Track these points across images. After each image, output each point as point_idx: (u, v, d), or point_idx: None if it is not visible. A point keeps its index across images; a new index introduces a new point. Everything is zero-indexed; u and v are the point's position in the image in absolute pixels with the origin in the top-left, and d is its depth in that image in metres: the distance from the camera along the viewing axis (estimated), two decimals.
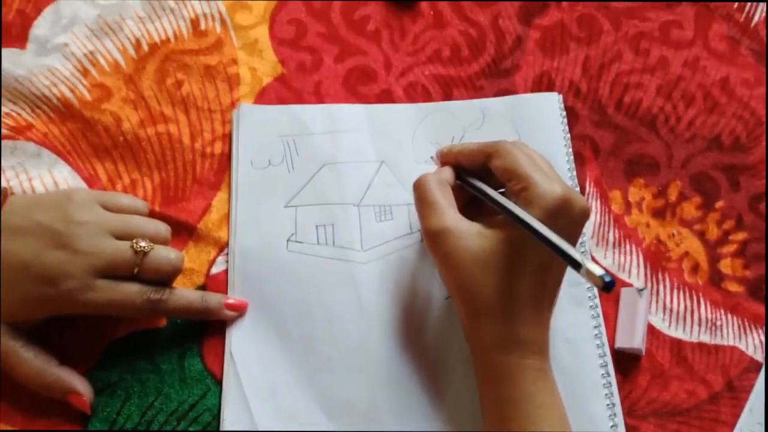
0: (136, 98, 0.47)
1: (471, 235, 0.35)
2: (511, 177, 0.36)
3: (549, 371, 0.35)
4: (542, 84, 0.50)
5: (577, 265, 0.29)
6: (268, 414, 0.38)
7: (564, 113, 0.48)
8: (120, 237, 0.38)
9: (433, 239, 0.36)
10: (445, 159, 0.40)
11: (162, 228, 0.40)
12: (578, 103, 0.50)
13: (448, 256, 0.35)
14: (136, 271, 0.37)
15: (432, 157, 0.43)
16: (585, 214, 0.35)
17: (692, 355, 0.43)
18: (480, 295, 0.35)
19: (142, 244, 0.37)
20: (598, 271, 0.28)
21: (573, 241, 0.35)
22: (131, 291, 0.37)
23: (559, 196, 0.34)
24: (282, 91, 0.48)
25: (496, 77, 0.50)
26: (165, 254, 0.38)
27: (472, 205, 0.39)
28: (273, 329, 0.41)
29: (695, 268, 0.46)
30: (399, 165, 0.46)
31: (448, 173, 0.39)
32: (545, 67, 0.51)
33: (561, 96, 0.49)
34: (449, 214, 0.36)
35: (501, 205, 0.35)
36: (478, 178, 0.38)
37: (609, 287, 0.28)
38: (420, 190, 0.38)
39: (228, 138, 0.46)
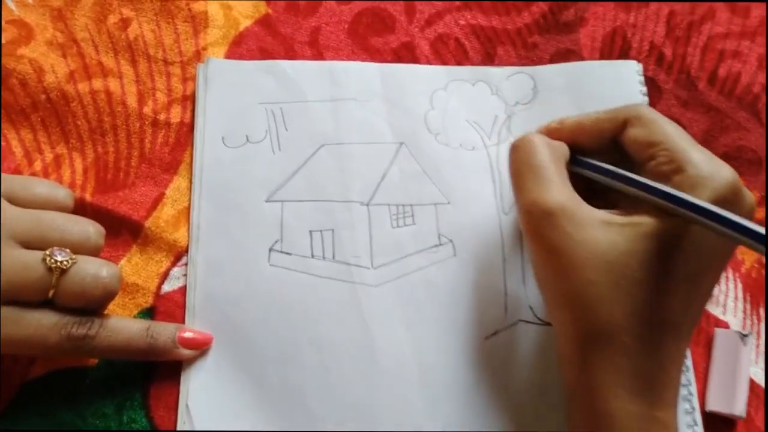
0: (66, 41, 0.40)
1: (596, 224, 0.28)
2: (658, 153, 0.29)
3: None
4: (614, 45, 0.42)
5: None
6: None
7: (645, 89, 0.41)
8: (29, 245, 0.31)
9: (539, 220, 0.29)
10: (554, 137, 0.33)
11: (91, 230, 0.33)
12: (661, 74, 0.41)
13: (558, 249, 0.28)
14: (51, 294, 0.31)
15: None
16: (752, 212, 0.29)
17: None
18: (603, 312, 0.28)
19: (59, 257, 0.31)
20: None
21: None
22: (43, 324, 0.30)
23: (730, 180, 0.28)
24: (266, 38, 0.41)
25: (554, 33, 0.43)
26: (93, 270, 0.31)
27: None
28: (246, 374, 0.34)
29: None
30: (423, 149, 0.39)
31: (563, 147, 0.32)
32: (618, 21, 0.43)
33: (641, 66, 0.41)
34: (565, 190, 0.29)
35: (650, 188, 0.28)
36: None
37: None
38: (525, 150, 0.31)
39: (190, 101, 0.40)
